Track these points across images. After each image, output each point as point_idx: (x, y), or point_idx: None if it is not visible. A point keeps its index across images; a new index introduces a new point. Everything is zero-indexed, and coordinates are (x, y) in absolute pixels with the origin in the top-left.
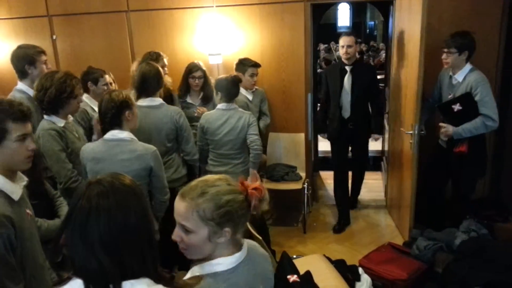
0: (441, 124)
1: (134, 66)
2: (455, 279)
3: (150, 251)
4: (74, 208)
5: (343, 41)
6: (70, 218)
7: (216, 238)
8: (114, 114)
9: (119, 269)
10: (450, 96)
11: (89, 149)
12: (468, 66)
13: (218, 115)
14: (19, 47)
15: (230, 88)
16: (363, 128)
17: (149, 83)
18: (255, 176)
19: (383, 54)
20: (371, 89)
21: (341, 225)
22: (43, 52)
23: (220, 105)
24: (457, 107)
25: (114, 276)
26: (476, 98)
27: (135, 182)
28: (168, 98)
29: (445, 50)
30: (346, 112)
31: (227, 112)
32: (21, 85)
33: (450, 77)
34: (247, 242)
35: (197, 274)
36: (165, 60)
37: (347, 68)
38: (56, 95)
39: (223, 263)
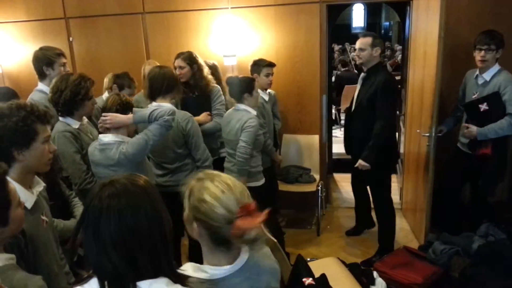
0: (464, 124)
1: (145, 69)
2: (472, 284)
3: (165, 252)
4: (88, 208)
5: (356, 43)
6: (84, 218)
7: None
8: (117, 110)
9: (133, 269)
10: (474, 96)
11: (89, 151)
12: (496, 66)
13: (228, 114)
14: (40, 49)
15: (231, 88)
16: (358, 151)
17: (154, 86)
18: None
19: (399, 56)
20: (376, 105)
21: (356, 229)
22: (62, 54)
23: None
24: (483, 106)
25: (128, 276)
26: (505, 98)
27: (150, 182)
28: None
29: (484, 47)
30: (352, 131)
31: (234, 112)
32: (41, 86)
33: (476, 76)
34: (252, 255)
35: (188, 272)
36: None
37: (362, 75)
38: (71, 97)
39: (207, 271)
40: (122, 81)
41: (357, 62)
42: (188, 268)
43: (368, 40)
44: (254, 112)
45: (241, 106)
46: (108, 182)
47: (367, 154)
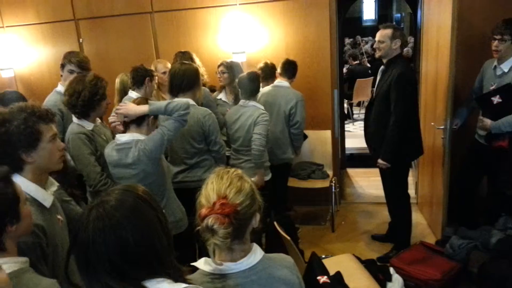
0: (480, 117)
1: (152, 68)
2: (492, 279)
3: (161, 265)
4: (76, 237)
5: (376, 35)
6: (73, 246)
7: None
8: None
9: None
10: (492, 88)
11: (106, 153)
12: None
13: (235, 110)
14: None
15: (248, 84)
16: (374, 145)
17: (174, 83)
18: (260, 177)
19: (410, 50)
20: (390, 100)
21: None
22: (71, 61)
23: (240, 101)
24: (496, 99)
25: None
26: None
27: (142, 195)
28: None
29: (498, 37)
30: (369, 124)
31: (243, 108)
32: (60, 87)
33: (495, 67)
34: (265, 261)
35: (200, 264)
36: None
37: (381, 67)
38: (89, 98)
39: (211, 265)
40: (149, 72)
41: (376, 55)
42: (202, 261)
43: (388, 32)
44: (262, 107)
45: (250, 103)
46: (96, 203)
47: (384, 152)
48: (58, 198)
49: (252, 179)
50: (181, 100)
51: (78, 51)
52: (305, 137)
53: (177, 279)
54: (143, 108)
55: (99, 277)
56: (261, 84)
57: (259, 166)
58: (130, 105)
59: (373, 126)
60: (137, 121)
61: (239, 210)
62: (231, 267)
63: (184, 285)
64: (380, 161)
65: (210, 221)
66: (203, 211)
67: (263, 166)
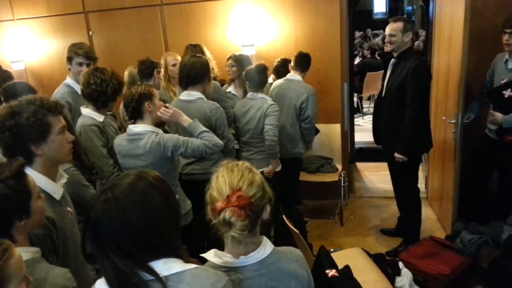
0: (491, 111)
1: (162, 60)
2: (502, 275)
3: (168, 248)
4: (88, 217)
5: (386, 28)
6: (86, 228)
7: None
8: (134, 107)
9: (139, 267)
10: (503, 81)
11: (115, 143)
12: None
13: (243, 103)
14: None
15: (256, 77)
16: (391, 146)
17: (183, 75)
18: (274, 166)
19: (421, 44)
20: (406, 92)
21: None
22: (77, 53)
23: (248, 94)
24: (508, 93)
25: (134, 275)
26: None
27: (157, 181)
28: None
29: (508, 31)
30: (380, 119)
31: (252, 101)
32: (68, 80)
33: (506, 61)
34: (275, 255)
35: (209, 256)
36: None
37: (392, 61)
38: (118, 86)
39: (221, 258)
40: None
41: (388, 49)
42: (211, 253)
43: (399, 25)
44: (270, 99)
45: (258, 95)
46: (108, 187)
47: (400, 146)
48: (77, 182)
49: (265, 169)
50: (219, 141)
51: (80, 42)
52: (317, 131)
53: (187, 260)
54: (184, 123)
55: (107, 255)
56: (273, 77)
57: (274, 156)
58: (177, 112)
59: (385, 120)
60: (136, 114)
61: (252, 202)
62: (241, 260)
63: (195, 265)
64: (397, 155)
65: (227, 214)
66: (219, 204)
67: (277, 156)
